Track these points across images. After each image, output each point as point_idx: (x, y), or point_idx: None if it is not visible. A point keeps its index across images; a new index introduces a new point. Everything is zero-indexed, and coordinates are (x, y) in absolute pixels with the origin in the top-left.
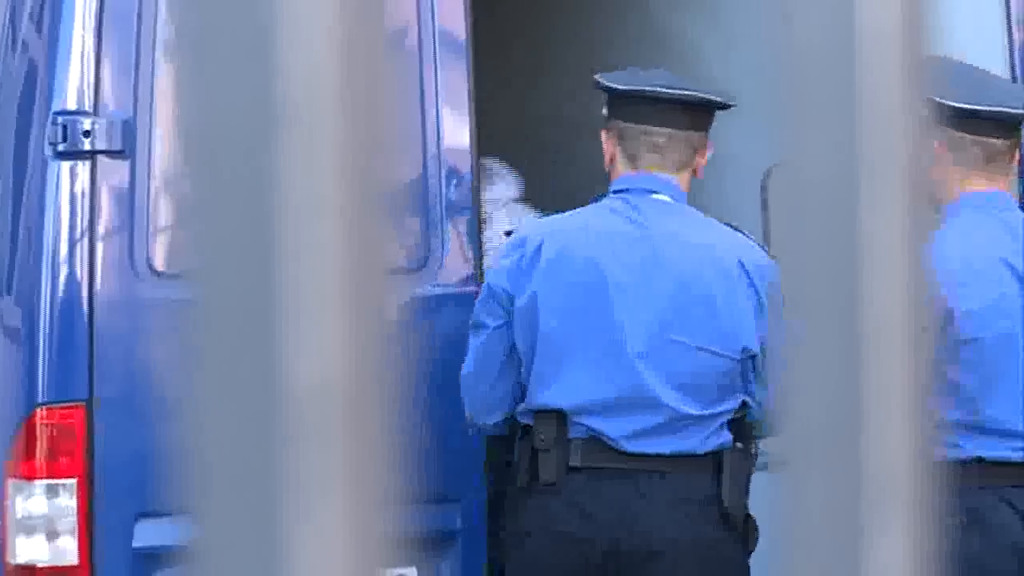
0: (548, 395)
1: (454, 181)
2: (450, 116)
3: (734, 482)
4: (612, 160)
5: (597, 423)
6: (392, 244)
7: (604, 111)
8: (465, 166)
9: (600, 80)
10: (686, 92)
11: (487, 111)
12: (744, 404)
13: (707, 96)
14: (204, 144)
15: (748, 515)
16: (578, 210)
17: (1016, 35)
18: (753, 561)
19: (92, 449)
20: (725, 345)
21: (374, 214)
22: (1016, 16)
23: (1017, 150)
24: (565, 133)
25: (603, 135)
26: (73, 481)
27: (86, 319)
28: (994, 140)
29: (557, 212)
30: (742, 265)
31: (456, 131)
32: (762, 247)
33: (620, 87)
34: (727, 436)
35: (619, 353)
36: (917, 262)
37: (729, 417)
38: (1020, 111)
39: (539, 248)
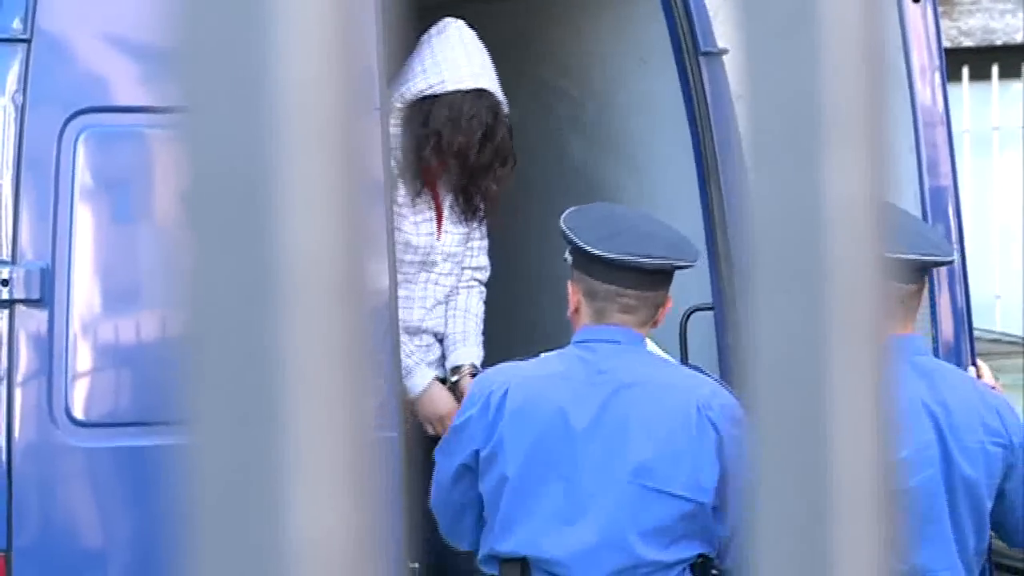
0: (512, 543)
1: None
2: None
3: None
4: (577, 310)
5: (561, 572)
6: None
7: (569, 258)
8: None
9: (574, 239)
10: (663, 261)
11: None
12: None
13: (685, 262)
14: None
15: None
16: (542, 356)
17: (927, 181)
18: None
19: None
20: (689, 488)
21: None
22: (926, 162)
23: (923, 293)
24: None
25: (569, 286)
26: None
27: (4, 467)
28: (903, 284)
29: None
30: (699, 408)
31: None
32: (724, 385)
33: (600, 254)
34: None
35: (583, 501)
36: (885, 420)
37: (692, 562)
38: (928, 257)
39: (504, 396)
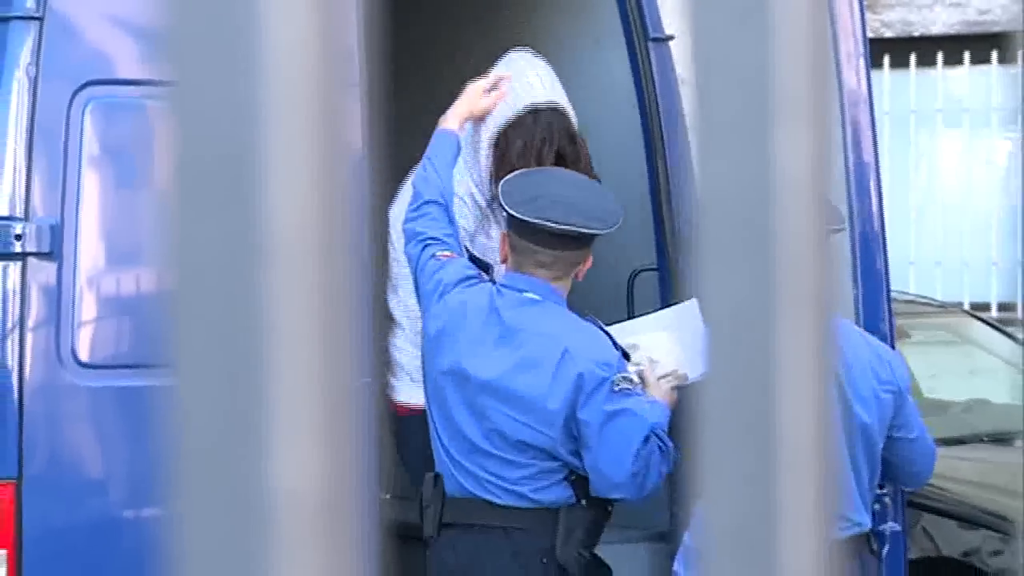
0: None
1: None
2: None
3: (569, 534)
4: (504, 258)
5: (451, 484)
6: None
7: (504, 214)
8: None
9: (500, 199)
10: (571, 227)
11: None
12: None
13: (591, 230)
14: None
15: (591, 564)
16: (480, 286)
17: (851, 157)
18: None
19: (20, 524)
20: (536, 418)
21: (348, 329)
22: (850, 140)
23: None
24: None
25: (501, 236)
26: (3, 552)
27: (16, 404)
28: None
29: None
30: (566, 352)
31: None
32: (611, 340)
33: (516, 215)
34: (563, 491)
35: (463, 416)
36: (826, 377)
37: (560, 475)
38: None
39: (448, 293)
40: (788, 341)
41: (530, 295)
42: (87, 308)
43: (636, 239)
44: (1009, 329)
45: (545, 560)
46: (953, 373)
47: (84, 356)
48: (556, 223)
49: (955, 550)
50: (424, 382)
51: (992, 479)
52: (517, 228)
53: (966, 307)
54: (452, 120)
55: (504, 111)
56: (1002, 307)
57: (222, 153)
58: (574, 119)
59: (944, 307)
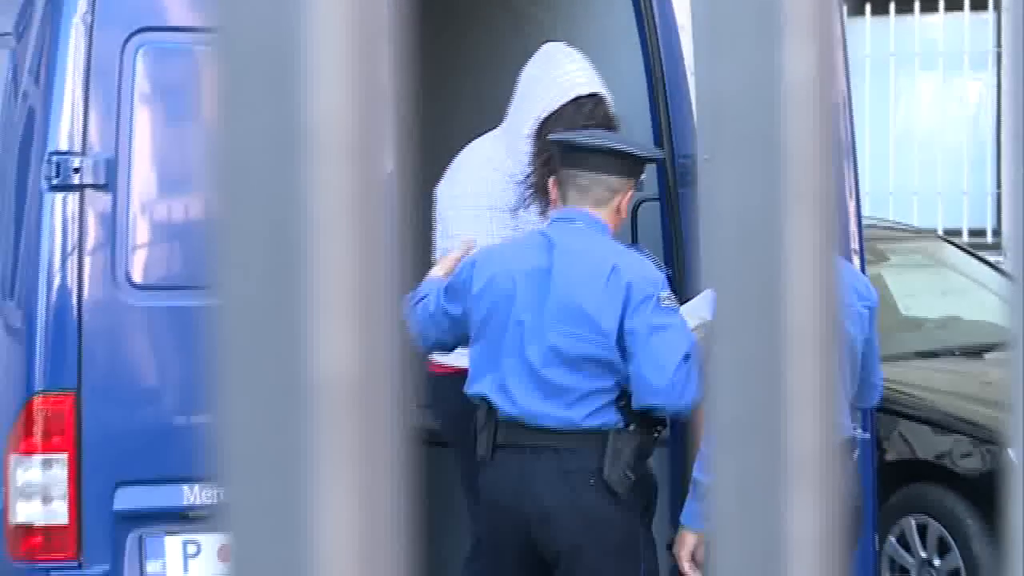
0: (477, 386)
1: None
2: None
3: (616, 456)
4: (554, 199)
5: (510, 406)
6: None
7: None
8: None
9: (550, 135)
10: (604, 143)
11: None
12: (622, 386)
13: (625, 148)
14: (231, 165)
15: (642, 483)
16: (521, 236)
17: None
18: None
19: (80, 429)
20: (592, 330)
21: (382, 230)
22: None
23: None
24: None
25: (551, 183)
26: (64, 456)
27: (75, 321)
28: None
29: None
30: (615, 268)
31: None
32: (656, 263)
33: (560, 139)
34: (612, 416)
35: (519, 345)
36: (831, 275)
37: (611, 397)
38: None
39: (473, 266)
40: (795, 239)
41: (579, 224)
42: (139, 234)
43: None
44: (979, 253)
45: (592, 481)
46: (928, 293)
47: (137, 278)
48: (591, 139)
49: (929, 453)
50: (474, 311)
51: (963, 389)
52: (561, 158)
53: (940, 233)
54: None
55: (545, 103)
56: (972, 232)
57: (264, 49)
58: (612, 106)
59: (919, 233)
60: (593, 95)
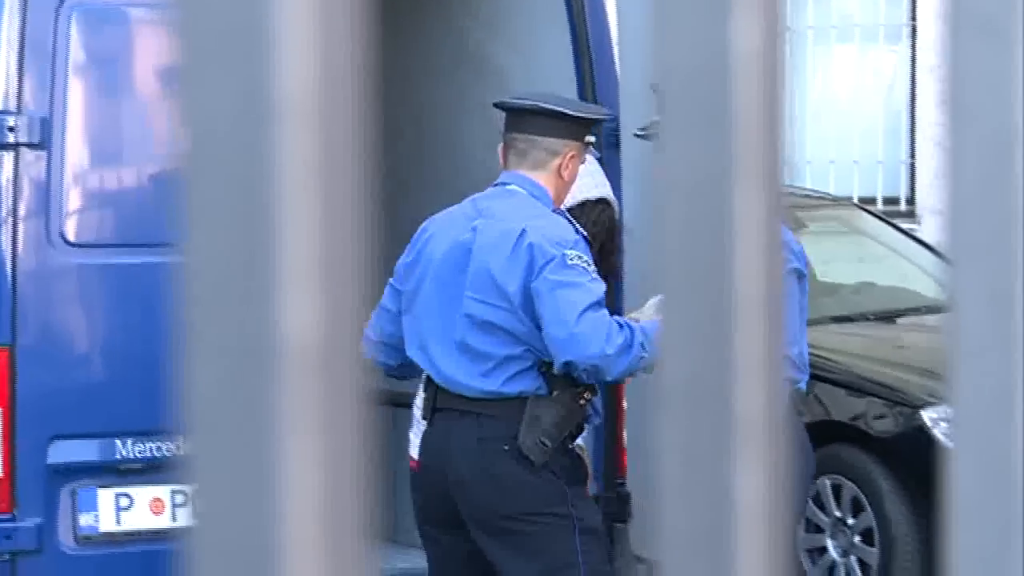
0: (408, 352)
1: None
2: None
3: (533, 423)
4: (501, 164)
5: (435, 374)
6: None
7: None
8: None
9: (505, 104)
10: (532, 103)
11: None
12: (537, 352)
13: (552, 105)
14: (201, 135)
15: (567, 457)
16: (456, 205)
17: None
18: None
19: (14, 384)
20: (499, 296)
21: (350, 196)
22: (592, 43)
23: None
24: (398, 142)
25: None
26: None
27: (10, 279)
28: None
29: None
30: (523, 232)
31: None
32: (577, 231)
33: (497, 104)
34: (532, 382)
35: (441, 313)
36: (776, 242)
37: (527, 363)
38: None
39: (423, 235)
40: (742, 208)
41: (512, 187)
42: (74, 194)
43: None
44: (893, 220)
45: (507, 447)
46: (844, 259)
47: (71, 236)
48: (522, 100)
49: (844, 415)
50: (406, 281)
51: (876, 352)
52: (504, 123)
53: (855, 201)
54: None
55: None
56: (886, 201)
57: (231, 18)
58: (617, 210)
59: (836, 201)
60: (600, 200)
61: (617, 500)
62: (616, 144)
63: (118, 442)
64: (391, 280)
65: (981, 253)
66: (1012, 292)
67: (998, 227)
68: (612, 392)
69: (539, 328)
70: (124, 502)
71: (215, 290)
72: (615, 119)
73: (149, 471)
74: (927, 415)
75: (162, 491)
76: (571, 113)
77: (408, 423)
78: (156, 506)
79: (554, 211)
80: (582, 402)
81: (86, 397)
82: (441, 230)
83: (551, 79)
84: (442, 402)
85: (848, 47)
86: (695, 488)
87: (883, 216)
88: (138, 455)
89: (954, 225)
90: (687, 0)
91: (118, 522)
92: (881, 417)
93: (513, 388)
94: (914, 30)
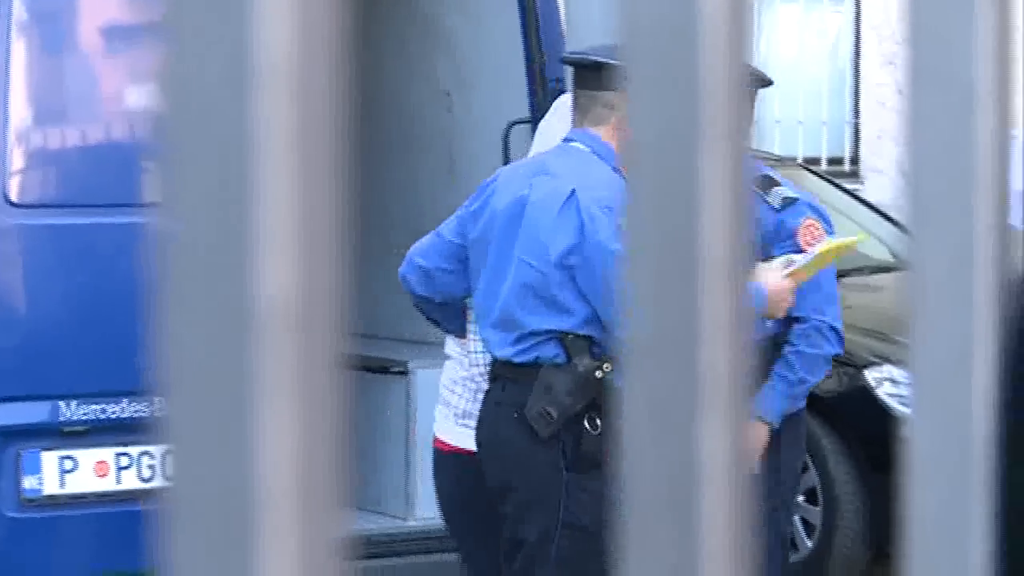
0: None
1: None
2: None
3: (545, 392)
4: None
5: (487, 336)
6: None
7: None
8: None
9: (571, 58)
10: (577, 57)
11: None
12: (564, 319)
13: (596, 58)
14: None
15: (573, 430)
16: (524, 160)
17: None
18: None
19: None
20: (539, 258)
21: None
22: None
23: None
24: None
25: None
26: None
27: None
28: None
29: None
30: (573, 192)
31: None
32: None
33: (563, 55)
34: (550, 351)
35: (496, 275)
36: (743, 204)
37: (557, 329)
38: None
39: (490, 184)
40: (709, 169)
41: (575, 144)
42: (17, 155)
43: (511, 94)
44: (837, 180)
45: (517, 414)
46: None
47: (15, 197)
48: (580, 54)
49: None
50: (470, 232)
51: None
52: (571, 80)
53: (800, 161)
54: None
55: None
56: (830, 161)
57: None
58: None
59: (781, 161)
60: None
61: None
62: None
63: (62, 404)
64: (454, 219)
65: (941, 215)
66: (971, 254)
67: (958, 189)
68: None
69: (579, 294)
70: (68, 465)
71: (192, 254)
72: (561, 79)
73: (93, 434)
74: (871, 375)
75: (106, 454)
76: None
77: (378, 388)
78: (100, 469)
79: (615, 169)
80: (600, 374)
81: (29, 359)
82: (505, 183)
83: (499, 42)
84: (495, 368)
85: (792, 7)
86: (660, 446)
87: (827, 176)
88: (82, 417)
89: (914, 187)
90: None
91: (62, 485)
92: (825, 377)
93: (530, 355)
94: None
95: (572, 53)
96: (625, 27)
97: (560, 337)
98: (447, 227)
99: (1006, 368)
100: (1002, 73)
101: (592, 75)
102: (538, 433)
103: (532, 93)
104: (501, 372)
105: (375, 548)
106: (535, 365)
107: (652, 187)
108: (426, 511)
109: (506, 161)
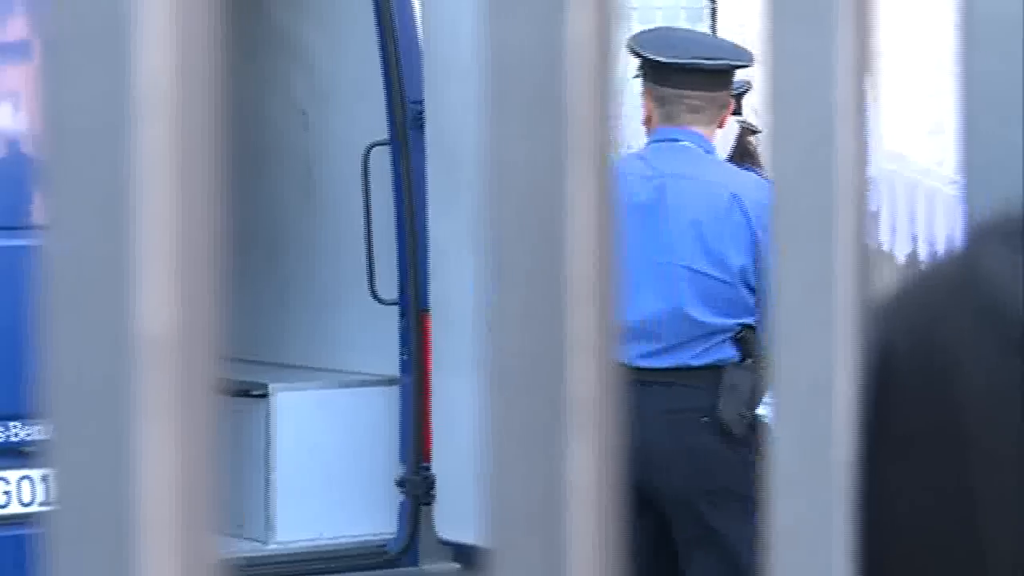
0: None
1: None
2: None
3: (732, 392)
4: (649, 117)
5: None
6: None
7: (639, 73)
8: None
9: (640, 51)
10: (722, 62)
11: None
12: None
13: (739, 63)
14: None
15: (755, 424)
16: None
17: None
18: None
19: None
20: (713, 266)
21: (204, 194)
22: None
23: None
24: None
25: (641, 97)
26: None
27: None
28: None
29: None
30: (735, 196)
31: None
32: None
33: (667, 61)
34: (728, 351)
35: (628, 282)
36: (609, 226)
37: (731, 334)
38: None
39: None
40: (575, 192)
41: (685, 143)
42: None
43: (369, 112)
44: None
45: (706, 418)
46: None
47: None
48: (711, 59)
49: None
50: None
51: None
52: (664, 77)
53: None
54: None
55: None
56: None
57: (92, 13)
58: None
59: None
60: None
61: (424, 483)
62: (421, 126)
63: None
64: None
65: (802, 238)
66: (831, 278)
67: (818, 213)
68: (419, 370)
69: (751, 291)
70: None
71: (75, 279)
72: (420, 101)
73: None
74: None
75: (9, 475)
76: (745, 63)
77: (238, 411)
78: None
79: (742, 167)
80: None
81: None
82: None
83: (356, 57)
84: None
85: (656, 26)
86: (526, 468)
87: None
88: None
89: (776, 210)
90: None
91: None
92: None
93: (711, 357)
94: (714, 12)
95: (699, 58)
96: (490, 48)
97: (736, 336)
98: None
99: (868, 401)
100: (861, 94)
101: (717, 78)
102: (735, 434)
103: (391, 111)
104: (653, 378)
105: (236, 571)
106: (714, 367)
107: (518, 208)
108: (286, 534)
109: (366, 183)
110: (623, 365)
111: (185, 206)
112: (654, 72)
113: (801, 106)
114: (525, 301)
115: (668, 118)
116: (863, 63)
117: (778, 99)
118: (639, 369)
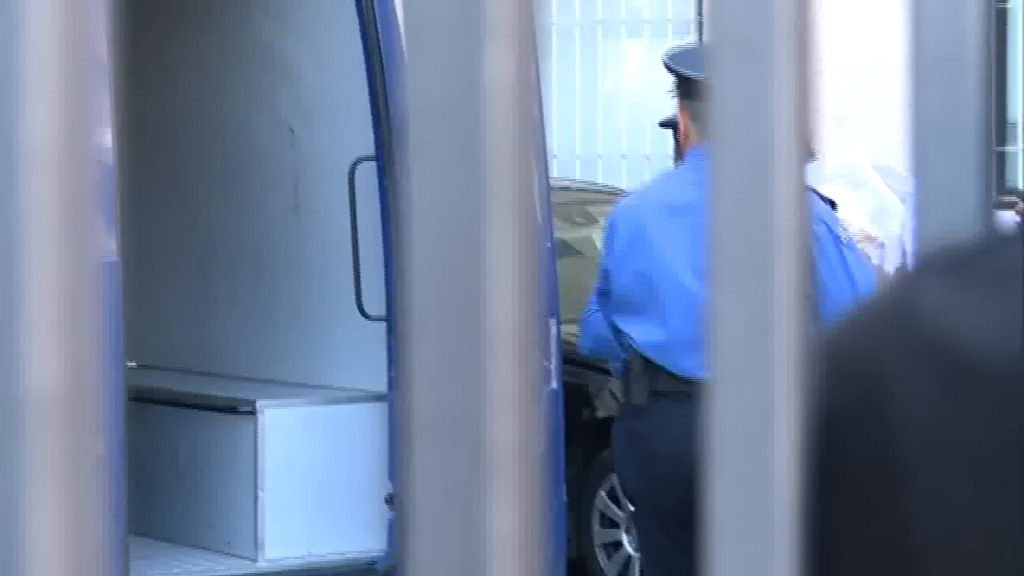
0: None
1: None
2: None
3: None
4: (687, 133)
5: (660, 356)
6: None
7: (675, 89)
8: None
9: (674, 67)
10: None
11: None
12: None
13: None
14: None
15: None
16: (657, 178)
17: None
18: None
19: None
20: None
21: (89, 233)
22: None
23: None
24: (191, 134)
25: (679, 112)
26: None
27: None
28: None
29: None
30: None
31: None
32: (828, 202)
33: (697, 76)
34: None
35: (675, 298)
36: (530, 275)
37: None
38: None
39: (613, 227)
40: (494, 240)
41: None
42: None
43: (355, 128)
44: None
45: None
46: None
47: None
48: None
49: None
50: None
51: None
52: (699, 93)
53: None
54: None
55: None
56: None
57: None
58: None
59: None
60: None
61: None
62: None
63: None
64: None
65: (739, 276)
66: (770, 316)
67: (756, 250)
68: None
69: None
70: None
71: None
72: None
73: None
74: None
75: None
76: None
77: (226, 428)
78: None
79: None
80: None
81: None
82: (653, 214)
83: (341, 74)
84: (666, 386)
85: (638, 42)
86: (447, 521)
87: None
88: None
89: (715, 247)
90: (438, 29)
91: None
92: None
93: None
94: (701, 25)
95: None
96: (410, 95)
97: None
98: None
99: (809, 442)
100: (802, 133)
101: None
102: None
103: (376, 127)
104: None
105: None
106: None
107: (436, 257)
108: (275, 552)
109: (352, 198)
110: (688, 377)
111: (73, 264)
112: (689, 89)
113: (740, 144)
114: (444, 353)
115: (704, 134)
116: (804, 103)
117: (718, 137)
118: (674, 378)
